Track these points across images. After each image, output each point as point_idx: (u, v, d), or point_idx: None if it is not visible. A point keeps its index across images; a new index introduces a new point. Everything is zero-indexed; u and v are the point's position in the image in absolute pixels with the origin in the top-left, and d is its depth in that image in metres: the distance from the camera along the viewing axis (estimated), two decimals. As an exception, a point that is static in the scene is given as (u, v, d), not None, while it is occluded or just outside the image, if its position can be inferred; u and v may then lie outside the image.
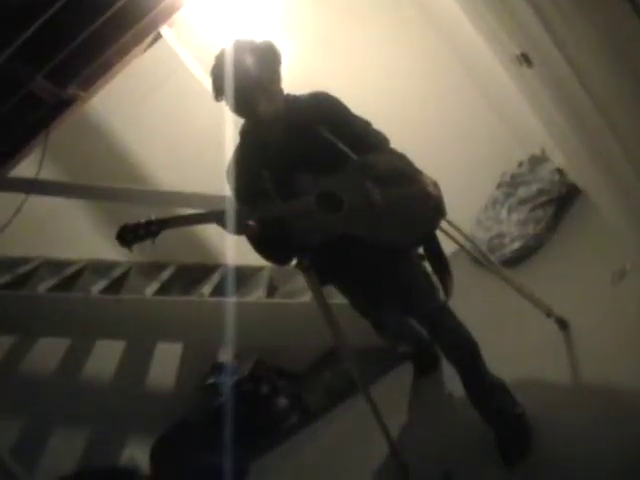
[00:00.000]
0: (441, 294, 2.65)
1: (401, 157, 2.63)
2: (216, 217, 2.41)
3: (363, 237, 2.49)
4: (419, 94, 4.61)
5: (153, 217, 2.35)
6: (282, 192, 2.47)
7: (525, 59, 2.29)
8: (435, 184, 2.60)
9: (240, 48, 2.41)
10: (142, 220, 2.34)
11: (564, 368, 2.82)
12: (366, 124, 2.64)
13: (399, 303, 2.71)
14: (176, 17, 3.84)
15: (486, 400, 2.66)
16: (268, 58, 2.44)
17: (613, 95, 1.94)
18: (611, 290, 3.01)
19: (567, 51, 1.98)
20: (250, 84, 2.38)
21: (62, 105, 3.58)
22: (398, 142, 2.66)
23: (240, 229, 2.43)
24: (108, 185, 4.26)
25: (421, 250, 2.72)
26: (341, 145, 2.51)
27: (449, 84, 4.59)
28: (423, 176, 2.60)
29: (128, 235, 2.34)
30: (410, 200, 2.54)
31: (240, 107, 2.45)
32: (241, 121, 2.59)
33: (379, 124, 2.66)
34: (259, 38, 2.47)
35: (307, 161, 2.47)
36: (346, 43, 4.54)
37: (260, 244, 2.54)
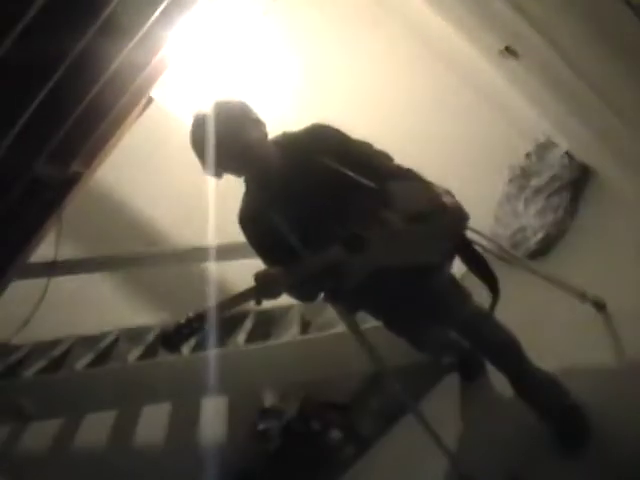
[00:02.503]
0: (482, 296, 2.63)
1: (408, 171, 2.62)
2: (255, 294, 2.34)
3: (394, 264, 2.47)
4: (420, 108, 4.63)
5: (191, 314, 2.26)
6: (297, 234, 2.45)
7: (510, 52, 2.29)
8: (448, 192, 2.60)
9: (204, 122, 2.39)
10: (181, 320, 2.25)
11: (607, 351, 2.76)
12: (368, 146, 2.63)
13: (432, 318, 2.69)
14: (165, 76, 3.87)
15: (537, 397, 2.61)
16: (235, 112, 2.44)
17: (603, 72, 1.94)
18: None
19: (550, 35, 1.98)
20: (231, 146, 2.38)
21: (68, 186, 3.60)
22: (401, 155, 2.66)
23: (278, 294, 2.39)
24: (126, 252, 4.29)
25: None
26: (348, 172, 2.50)
27: (447, 91, 4.61)
28: (435, 187, 2.59)
29: (173, 339, 2.26)
30: (429, 216, 2.52)
31: (233, 169, 2.49)
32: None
33: (381, 141, 2.65)
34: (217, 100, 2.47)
35: (318, 194, 2.45)
36: (340, 62, 4.59)
37: (291, 291, 2.52)
